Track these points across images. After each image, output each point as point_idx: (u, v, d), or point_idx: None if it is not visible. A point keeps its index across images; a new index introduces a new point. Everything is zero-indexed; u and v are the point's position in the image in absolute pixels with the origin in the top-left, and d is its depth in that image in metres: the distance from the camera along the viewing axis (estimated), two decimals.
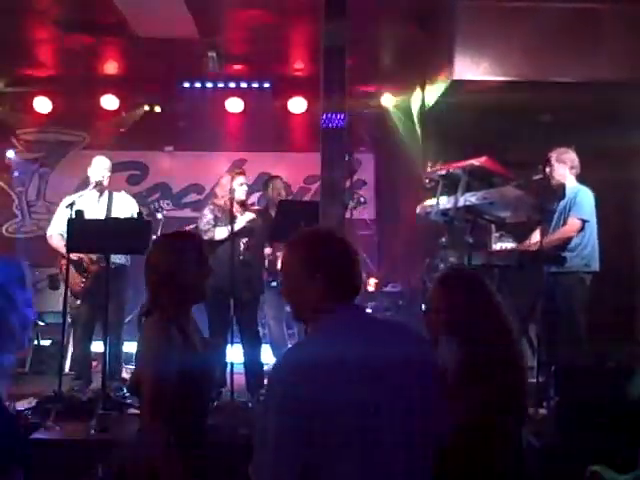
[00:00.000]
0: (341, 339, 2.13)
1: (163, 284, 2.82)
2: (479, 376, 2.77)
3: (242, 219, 6.27)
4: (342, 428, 1.98)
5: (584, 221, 5.81)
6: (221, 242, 6.10)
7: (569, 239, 5.79)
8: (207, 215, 6.41)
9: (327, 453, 1.97)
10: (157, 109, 9.67)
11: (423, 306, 3.30)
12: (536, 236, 5.94)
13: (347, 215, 6.41)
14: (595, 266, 5.86)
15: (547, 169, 5.85)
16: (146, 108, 9.61)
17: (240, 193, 6.39)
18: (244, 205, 6.45)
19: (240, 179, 6.47)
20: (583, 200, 5.84)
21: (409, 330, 2.37)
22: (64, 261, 5.92)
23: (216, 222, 6.32)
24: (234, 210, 6.20)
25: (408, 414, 2.09)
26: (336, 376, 2.02)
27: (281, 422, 1.98)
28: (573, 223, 5.81)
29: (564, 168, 5.92)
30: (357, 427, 2.00)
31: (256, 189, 9.54)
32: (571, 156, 5.96)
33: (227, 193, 6.32)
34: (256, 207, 6.99)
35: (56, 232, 6.19)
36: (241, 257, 6.18)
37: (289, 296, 2.35)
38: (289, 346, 7.06)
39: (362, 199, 8.04)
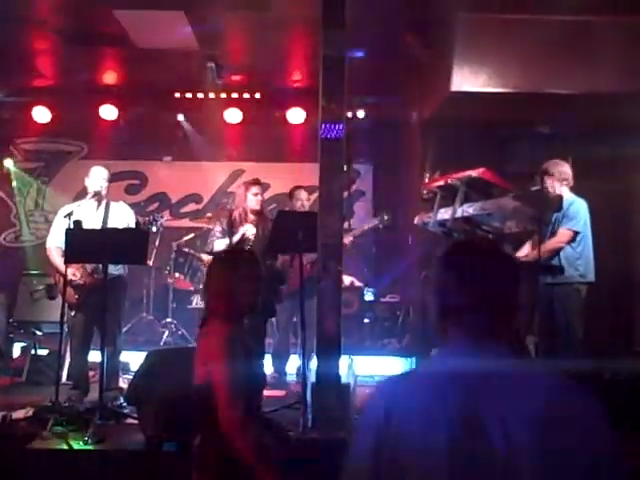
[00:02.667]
0: None
1: (220, 297, 3.09)
2: None
3: (241, 230, 6.29)
4: None
5: (575, 232, 5.83)
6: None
7: (559, 250, 5.81)
8: (216, 226, 6.48)
9: None
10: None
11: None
12: (526, 248, 6.02)
13: (346, 225, 6.44)
14: (590, 277, 5.88)
15: (540, 180, 5.88)
16: None
17: (254, 202, 6.43)
18: (260, 214, 6.47)
19: (254, 189, 6.51)
20: (576, 211, 5.86)
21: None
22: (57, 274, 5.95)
23: (223, 234, 6.35)
24: (240, 220, 6.25)
25: None
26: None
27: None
28: (563, 234, 5.83)
29: (557, 180, 5.94)
30: None
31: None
32: (563, 168, 5.98)
33: (241, 203, 6.39)
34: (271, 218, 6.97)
35: (54, 245, 6.18)
36: None
37: None
38: (290, 356, 7.10)
39: (386, 217, 8.06)
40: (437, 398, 1.70)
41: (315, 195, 5.76)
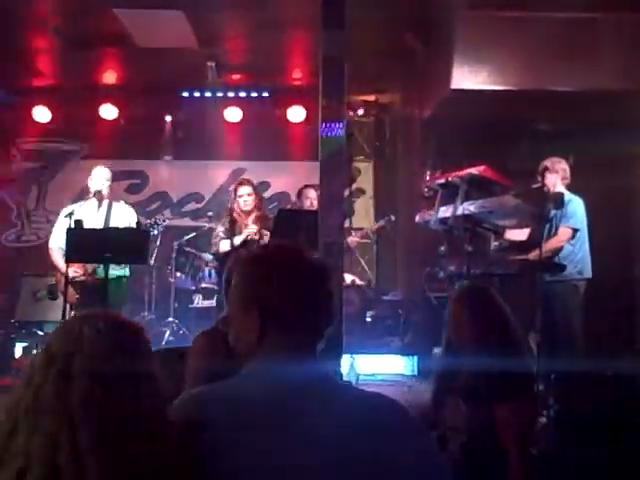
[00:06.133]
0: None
1: None
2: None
3: (246, 231, 6.30)
4: None
5: (575, 230, 5.91)
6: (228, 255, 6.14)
7: (561, 248, 5.90)
8: (219, 227, 6.47)
9: None
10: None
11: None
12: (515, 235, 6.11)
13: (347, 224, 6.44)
14: (588, 273, 5.97)
15: (542, 178, 5.91)
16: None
17: (242, 204, 6.43)
18: (249, 214, 6.46)
19: (242, 189, 6.51)
20: (574, 209, 5.94)
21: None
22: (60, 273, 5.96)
23: (226, 234, 6.35)
24: (241, 220, 6.25)
25: None
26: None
27: None
28: (564, 232, 5.92)
29: (556, 177, 5.98)
30: None
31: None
32: (563, 166, 6.05)
33: (234, 204, 6.42)
34: (271, 215, 6.96)
35: (56, 245, 6.19)
36: None
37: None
38: None
39: (392, 217, 8.04)
40: (245, 411, 1.61)
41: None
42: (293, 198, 9.44)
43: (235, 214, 6.54)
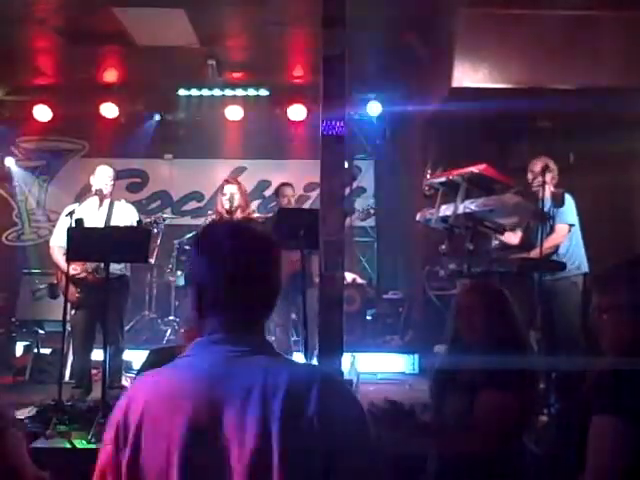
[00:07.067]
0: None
1: None
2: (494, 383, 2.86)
3: None
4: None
5: (570, 226, 6.01)
6: None
7: (559, 245, 5.98)
8: None
9: None
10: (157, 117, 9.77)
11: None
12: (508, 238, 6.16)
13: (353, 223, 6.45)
14: (585, 267, 6.06)
15: (536, 177, 5.95)
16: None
17: (225, 202, 6.45)
18: (233, 214, 6.47)
19: (228, 187, 6.52)
20: (567, 206, 5.99)
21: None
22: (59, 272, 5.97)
23: None
24: (227, 218, 6.26)
25: None
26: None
27: None
28: (561, 228, 5.99)
29: (549, 177, 6.01)
30: None
31: (256, 196, 9.60)
32: (553, 166, 6.10)
33: (221, 202, 6.43)
34: (256, 215, 6.99)
35: (57, 244, 6.19)
36: None
37: None
38: (294, 354, 7.10)
39: (372, 210, 8.08)
40: (176, 395, 1.62)
41: (316, 192, 5.77)
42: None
43: (220, 213, 6.57)
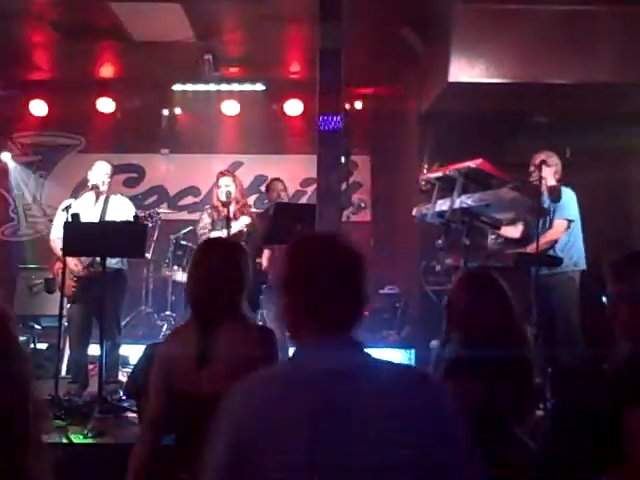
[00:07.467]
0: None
1: None
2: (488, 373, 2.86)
3: (237, 223, 6.29)
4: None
5: (570, 221, 6.00)
6: None
7: (557, 241, 5.98)
8: (204, 219, 6.46)
9: None
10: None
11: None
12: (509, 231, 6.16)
13: (344, 218, 6.43)
14: (582, 264, 6.07)
15: (539, 171, 5.93)
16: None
17: (221, 195, 6.44)
18: (229, 205, 6.46)
19: (223, 180, 6.52)
20: (568, 201, 6.01)
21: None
22: (58, 265, 5.94)
23: (213, 226, 6.34)
24: (222, 212, 6.26)
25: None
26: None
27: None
28: (560, 224, 6.00)
29: (549, 171, 6.00)
30: None
31: (253, 191, 9.59)
32: (556, 159, 6.10)
33: (216, 195, 6.43)
34: (254, 210, 6.99)
35: (57, 236, 6.19)
36: None
37: None
38: (289, 349, 7.06)
39: (362, 204, 8.08)
40: (296, 396, 1.71)
41: (313, 187, 5.76)
42: (290, 192, 9.47)
43: (216, 205, 6.57)
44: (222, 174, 6.73)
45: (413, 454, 1.65)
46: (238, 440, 1.69)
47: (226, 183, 6.56)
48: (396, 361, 1.92)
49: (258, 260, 6.60)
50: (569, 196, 6.03)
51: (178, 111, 9.76)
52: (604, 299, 2.54)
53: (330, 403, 1.68)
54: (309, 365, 1.76)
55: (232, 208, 6.45)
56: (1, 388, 1.50)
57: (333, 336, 1.80)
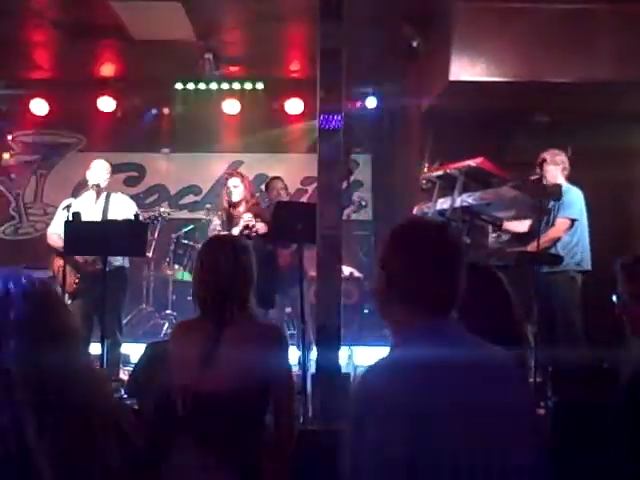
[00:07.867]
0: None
1: None
2: None
3: (242, 221, 6.29)
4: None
5: (573, 220, 5.92)
6: None
7: (558, 239, 5.91)
8: (215, 220, 6.49)
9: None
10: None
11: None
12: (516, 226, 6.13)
13: (345, 217, 6.43)
14: (587, 265, 5.97)
15: (540, 170, 5.92)
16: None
17: (230, 195, 6.45)
18: (235, 206, 6.46)
19: (232, 181, 6.52)
20: (572, 200, 5.94)
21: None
22: (58, 262, 5.95)
23: (223, 227, 6.35)
24: (233, 212, 6.26)
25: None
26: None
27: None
28: (562, 223, 5.93)
29: (557, 169, 5.99)
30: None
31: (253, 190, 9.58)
32: (563, 157, 6.07)
33: (225, 196, 6.41)
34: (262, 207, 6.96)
35: (55, 231, 6.19)
36: None
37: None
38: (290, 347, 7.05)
39: (363, 202, 8.07)
40: (437, 383, 1.71)
41: (313, 186, 5.75)
42: (291, 190, 9.47)
43: (227, 206, 6.57)
44: (230, 175, 6.72)
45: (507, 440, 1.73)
46: (394, 431, 1.66)
47: (234, 184, 6.56)
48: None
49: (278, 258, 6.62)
50: (575, 195, 5.96)
51: (178, 110, 9.75)
52: (614, 298, 2.55)
53: (465, 395, 1.71)
54: (438, 351, 1.76)
55: (242, 208, 6.46)
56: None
57: (443, 319, 1.84)
